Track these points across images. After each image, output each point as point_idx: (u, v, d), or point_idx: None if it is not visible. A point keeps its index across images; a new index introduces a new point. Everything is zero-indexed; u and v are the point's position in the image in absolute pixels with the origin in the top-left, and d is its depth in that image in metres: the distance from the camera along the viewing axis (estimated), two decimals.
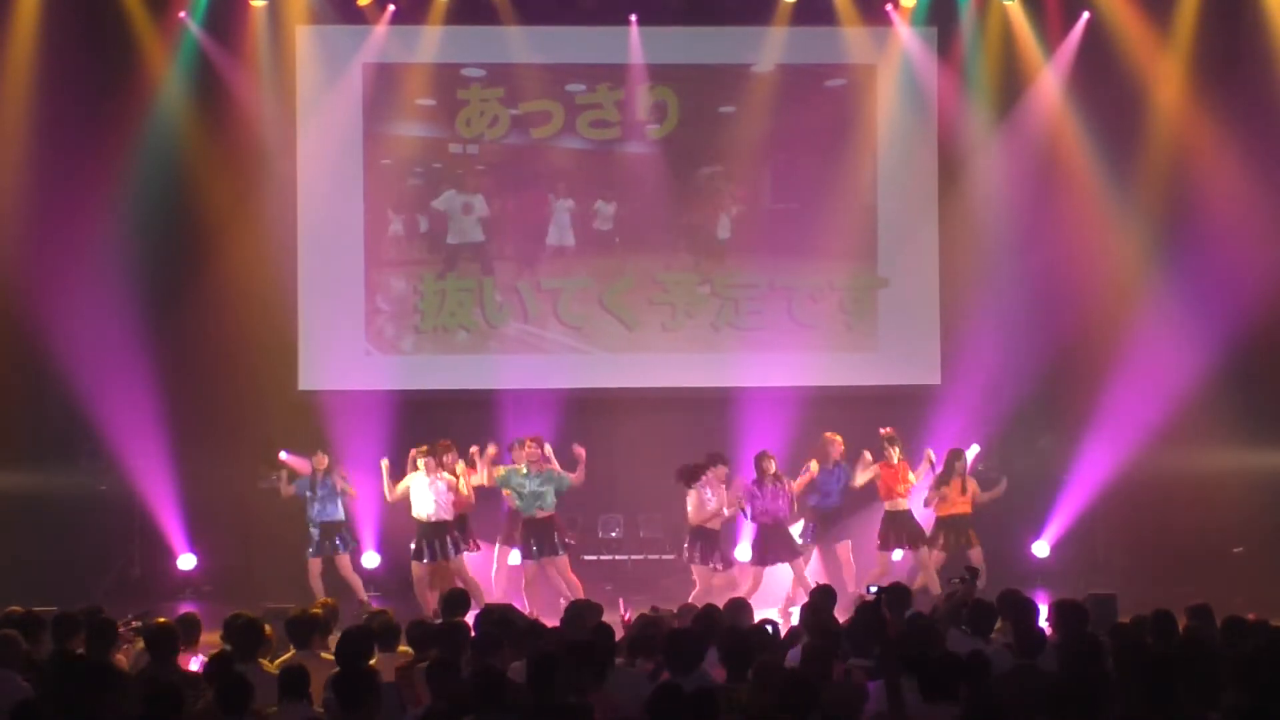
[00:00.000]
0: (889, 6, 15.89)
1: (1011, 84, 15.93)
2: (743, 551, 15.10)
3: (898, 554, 14.73)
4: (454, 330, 16.06)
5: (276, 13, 15.52)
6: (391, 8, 15.71)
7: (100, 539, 15.02)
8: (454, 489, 13.55)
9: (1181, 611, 9.09)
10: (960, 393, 15.54)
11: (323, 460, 13.97)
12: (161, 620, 9.04)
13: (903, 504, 13.88)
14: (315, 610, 9.33)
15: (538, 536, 13.47)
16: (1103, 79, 15.70)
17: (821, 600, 9.66)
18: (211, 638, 9.05)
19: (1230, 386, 15.09)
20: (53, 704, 6.83)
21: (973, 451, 14.87)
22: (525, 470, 13.49)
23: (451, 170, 16.06)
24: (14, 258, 14.83)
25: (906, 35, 15.97)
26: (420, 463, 13.53)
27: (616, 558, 15.54)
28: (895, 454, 13.85)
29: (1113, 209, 15.72)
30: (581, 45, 16.03)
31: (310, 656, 8.36)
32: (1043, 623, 9.03)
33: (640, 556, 15.50)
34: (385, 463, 13.72)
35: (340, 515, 14.00)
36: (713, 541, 13.40)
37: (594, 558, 15.47)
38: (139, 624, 9.21)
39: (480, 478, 13.76)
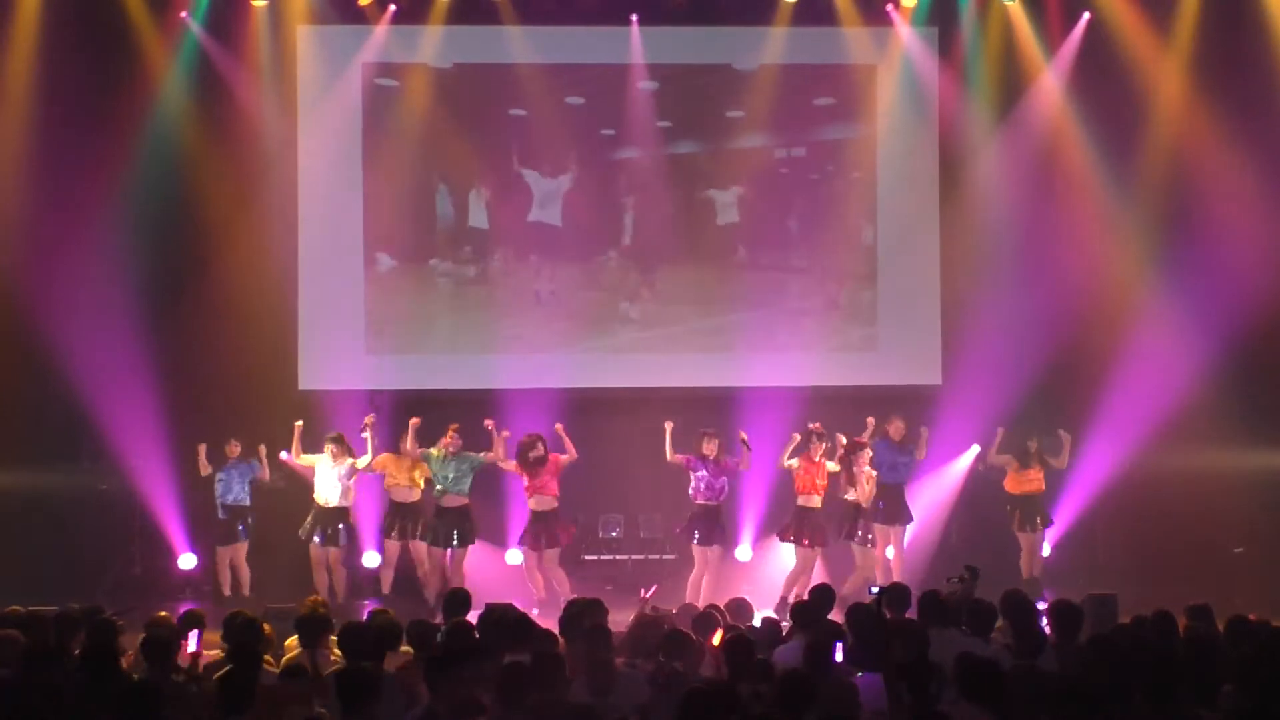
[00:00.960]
0: (889, 6, 15.89)
1: (1011, 84, 15.92)
2: (744, 551, 15.15)
3: (890, 551, 14.75)
4: (457, 330, 16.05)
5: (277, 13, 15.51)
6: (392, 8, 15.71)
7: (100, 539, 15.00)
8: (352, 474, 13.92)
9: (1181, 611, 9.10)
10: (961, 393, 15.53)
11: (235, 448, 14.24)
12: (161, 614, 9.07)
13: (816, 500, 13.83)
14: (321, 609, 9.35)
15: (446, 525, 13.81)
16: (1103, 79, 15.69)
17: (819, 599, 9.67)
18: (211, 636, 9.05)
19: (1230, 386, 15.08)
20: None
21: (972, 453, 14.87)
22: (442, 455, 13.80)
23: (453, 170, 16.06)
24: (15, 257, 14.84)
25: (906, 35, 15.97)
26: (329, 448, 13.90)
27: (617, 558, 15.51)
28: (820, 450, 13.81)
29: (1113, 208, 15.72)
30: (582, 46, 16.01)
31: (319, 655, 8.39)
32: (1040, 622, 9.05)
33: (640, 556, 15.47)
34: (300, 424, 14.00)
35: (245, 500, 14.27)
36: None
37: (594, 558, 15.45)
38: (122, 622, 9.22)
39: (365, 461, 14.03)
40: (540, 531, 13.80)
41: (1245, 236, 15.14)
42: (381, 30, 15.75)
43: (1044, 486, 14.71)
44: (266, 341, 15.44)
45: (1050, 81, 15.88)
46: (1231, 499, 15.11)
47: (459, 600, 9.49)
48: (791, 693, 6.63)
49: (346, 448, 13.93)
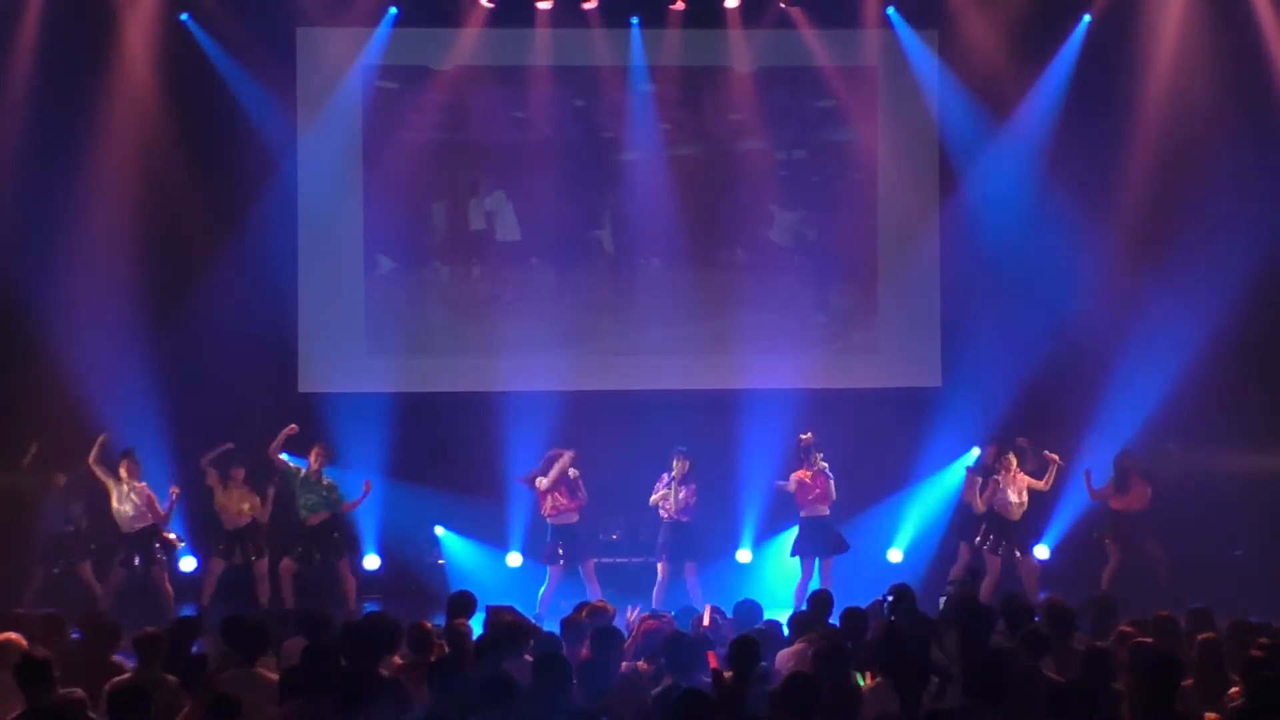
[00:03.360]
0: (889, 8, 15.88)
1: (1011, 84, 15.91)
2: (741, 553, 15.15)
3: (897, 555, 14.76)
4: (458, 332, 16.04)
5: (277, 13, 15.49)
6: (393, 10, 15.70)
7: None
8: (148, 498, 13.89)
9: (1182, 614, 9.11)
10: (961, 395, 15.54)
11: (60, 479, 14.16)
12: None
13: (823, 510, 13.86)
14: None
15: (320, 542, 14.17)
16: (1102, 79, 15.69)
17: (819, 605, 9.69)
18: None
19: (1230, 388, 15.07)
20: None
21: (972, 455, 14.86)
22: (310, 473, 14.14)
23: (453, 173, 16.06)
24: (16, 258, 14.85)
25: (906, 36, 15.96)
26: (124, 468, 13.84)
27: (617, 560, 15.47)
28: (818, 459, 13.88)
29: (1112, 208, 15.71)
30: (583, 48, 15.97)
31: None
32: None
33: (640, 559, 15.42)
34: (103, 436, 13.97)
35: (70, 528, 14.16)
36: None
37: (594, 560, 15.41)
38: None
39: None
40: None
41: (1243, 237, 15.14)
42: (382, 32, 15.75)
43: (1148, 504, 14.62)
44: (266, 344, 15.44)
45: (1050, 81, 15.87)
46: (1231, 501, 15.09)
47: (462, 602, 9.49)
48: (797, 695, 6.62)
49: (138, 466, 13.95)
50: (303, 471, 14.13)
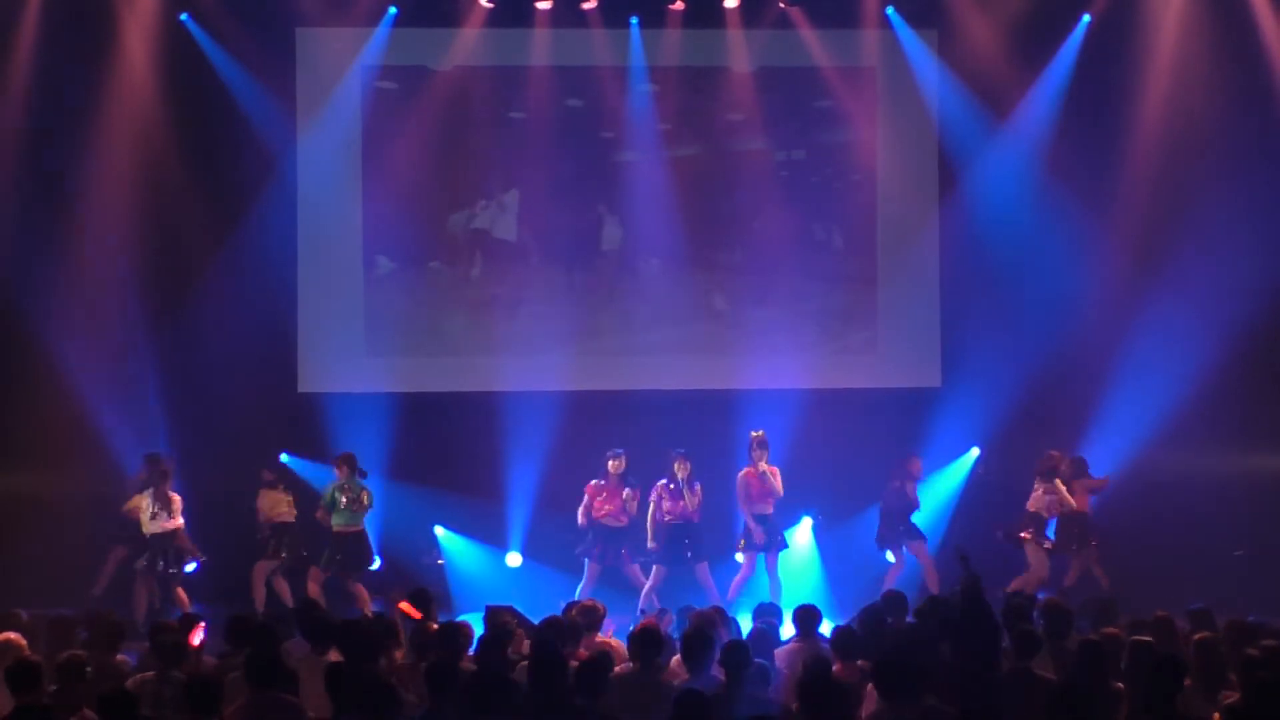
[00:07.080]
0: (889, 8, 15.89)
1: (1011, 84, 15.91)
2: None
3: (890, 556, 14.77)
4: (457, 332, 16.04)
5: (277, 13, 15.50)
6: (393, 10, 15.71)
7: (100, 539, 14.96)
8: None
9: (1182, 614, 9.12)
10: (961, 395, 15.54)
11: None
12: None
13: (768, 509, 13.96)
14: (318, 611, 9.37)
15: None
16: (1102, 79, 15.70)
17: (808, 610, 9.71)
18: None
19: (1229, 389, 15.08)
20: None
21: (971, 455, 14.86)
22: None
23: (452, 173, 16.06)
24: (15, 257, 14.85)
25: (906, 36, 15.97)
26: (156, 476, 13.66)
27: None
28: (763, 458, 13.93)
29: (1111, 208, 15.72)
30: (582, 48, 15.98)
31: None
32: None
33: (641, 559, 15.40)
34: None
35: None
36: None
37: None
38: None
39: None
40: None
41: (1243, 238, 15.14)
42: (382, 32, 15.75)
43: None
44: (266, 344, 15.44)
45: (1050, 81, 15.87)
46: (1230, 501, 15.10)
47: (423, 598, 9.49)
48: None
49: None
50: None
